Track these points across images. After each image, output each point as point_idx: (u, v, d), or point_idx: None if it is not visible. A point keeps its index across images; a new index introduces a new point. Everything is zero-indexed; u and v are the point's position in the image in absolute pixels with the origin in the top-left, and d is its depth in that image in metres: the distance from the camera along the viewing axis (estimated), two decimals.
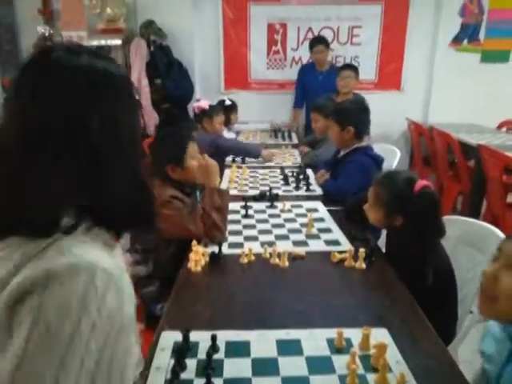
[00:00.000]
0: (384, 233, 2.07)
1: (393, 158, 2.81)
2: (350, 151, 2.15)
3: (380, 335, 1.02)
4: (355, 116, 2.12)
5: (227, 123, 3.47)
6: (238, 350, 0.98)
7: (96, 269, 0.54)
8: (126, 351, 0.56)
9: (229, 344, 1.00)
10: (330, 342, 1.01)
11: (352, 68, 3.46)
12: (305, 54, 4.32)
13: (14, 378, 0.49)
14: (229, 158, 2.84)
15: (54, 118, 0.57)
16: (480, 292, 0.86)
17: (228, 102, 3.64)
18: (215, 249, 1.42)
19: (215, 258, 1.39)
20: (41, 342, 0.50)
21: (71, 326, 0.50)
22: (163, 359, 0.95)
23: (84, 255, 0.55)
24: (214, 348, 0.96)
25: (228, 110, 3.58)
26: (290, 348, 0.99)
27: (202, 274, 1.33)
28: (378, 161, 2.12)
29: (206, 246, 1.44)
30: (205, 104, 2.96)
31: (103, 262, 0.56)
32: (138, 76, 3.79)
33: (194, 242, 1.40)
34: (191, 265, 1.34)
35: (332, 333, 1.03)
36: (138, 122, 0.69)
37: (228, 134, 3.36)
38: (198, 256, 1.34)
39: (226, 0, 4.18)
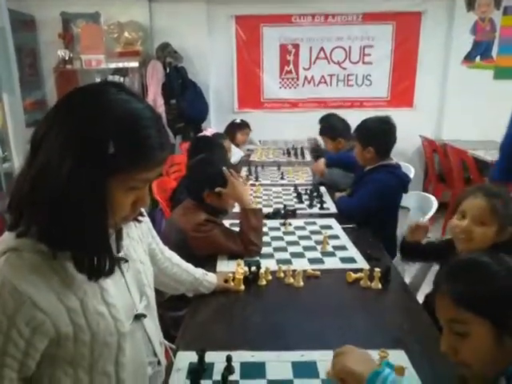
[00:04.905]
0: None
1: None
2: (373, 168, 2.08)
3: (397, 358, 1.00)
4: (377, 136, 2.04)
5: (233, 141, 3.58)
6: (254, 371, 0.98)
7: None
8: None
9: (244, 365, 1.00)
10: None
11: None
12: (317, 74, 4.39)
13: None
14: (242, 176, 2.86)
15: None
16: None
17: (237, 121, 3.75)
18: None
19: (251, 281, 1.39)
20: None
21: None
22: (179, 380, 0.95)
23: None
24: (229, 369, 0.96)
25: (235, 129, 3.69)
26: (305, 370, 0.98)
27: (217, 294, 1.33)
28: (404, 181, 2.03)
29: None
30: (210, 132, 3.07)
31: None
32: (154, 96, 3.89)
33: (239, 262, 1.46)
34: (234, 283, 1.35)
35: None
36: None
37: (237, 152, 3.42)
38: (239, 275, 1.36)
39: (239, 22, 4.29)
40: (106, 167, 0.68)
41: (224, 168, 1.61)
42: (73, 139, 0.67)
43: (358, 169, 2.22)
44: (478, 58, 4.23)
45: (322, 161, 2.61)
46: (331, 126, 2.94)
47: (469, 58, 4.23)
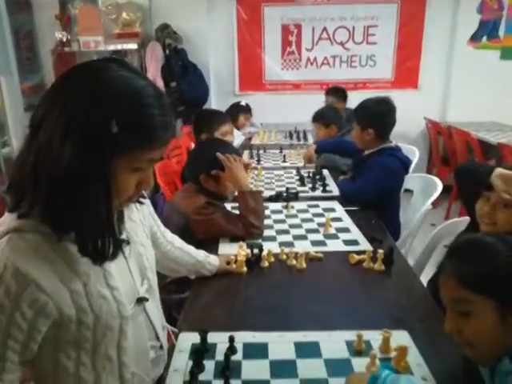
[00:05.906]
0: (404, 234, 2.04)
1: (411, 158, 2.76)
2: (374, 151, 2.03)
3: (400, 338, 1.00)
4: (376, 118, 1.98)
5: (234, 123, 3.46)
6: (256, 351, 0.98)
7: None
8: None
9: (246, 345, 0.99)
10: (349, 344, 0.99)
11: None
12: (320, 55, 4.31)
13: None
14: (244, 158, 2.83)
15: None
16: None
17: (242, 103, 3.68)
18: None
19: (253, 263, 1.38)
20: None
21: None
22: (181, 361, 0.95)
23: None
24: (231, 349, 0.96)
25: (238, 111, 3.62)
26: (308, 350, 0.98)
27: (219, 276, 1.32)
28: (405, 163, 2.00)
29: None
30: None
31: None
32: (154, 79, 3.83)
33: (241, 244, 1.46)
34: (236, 265, 1.34)
35: (351, 335, 1.01)
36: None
37: (238, 135, 3.37)
38: (241, 257, 1.35)
39: (240, 2, 4.19)
40: (110, 148, 0.66)
41: (218, 153, 1.58)
42: (74, 120, 0.65)
43: (357, 153, 2.18)
44: (484, 38, 4.14)
45: (312, 147, 2.58)
46: (323, 113, 2.89)
47: (475, 38, 4.13)
